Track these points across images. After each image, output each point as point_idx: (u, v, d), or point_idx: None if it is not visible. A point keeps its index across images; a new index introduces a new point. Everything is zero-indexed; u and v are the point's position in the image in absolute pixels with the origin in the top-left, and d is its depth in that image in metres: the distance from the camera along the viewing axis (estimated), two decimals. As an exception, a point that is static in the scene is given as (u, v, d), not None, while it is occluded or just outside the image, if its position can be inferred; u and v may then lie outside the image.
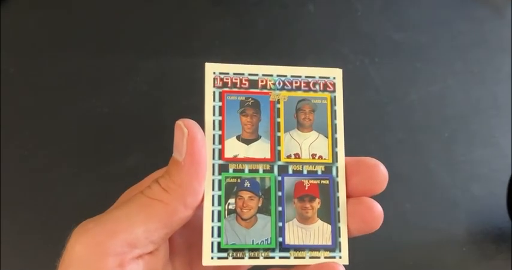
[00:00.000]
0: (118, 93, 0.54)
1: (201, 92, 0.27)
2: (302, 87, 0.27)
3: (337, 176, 0.27)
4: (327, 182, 0.27)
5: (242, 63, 0.28)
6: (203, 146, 0.25)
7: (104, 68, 0.54)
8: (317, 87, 0.27)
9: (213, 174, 0.26)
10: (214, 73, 0.27)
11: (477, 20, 0.58)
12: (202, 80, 0.27)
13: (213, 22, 0.57)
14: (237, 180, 0.26)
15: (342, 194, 0.27)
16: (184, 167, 0.25)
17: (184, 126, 0.25)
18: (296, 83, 0.27)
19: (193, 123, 0.25)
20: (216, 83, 0.27)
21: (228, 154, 0.26)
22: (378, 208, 0.27)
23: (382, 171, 0.27)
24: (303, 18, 0.58)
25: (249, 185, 0.26)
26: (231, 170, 0.26)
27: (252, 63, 0.28)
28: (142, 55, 0.55)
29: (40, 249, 0.46)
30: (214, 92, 0.27)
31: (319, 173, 0.27)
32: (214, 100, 0.27)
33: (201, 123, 0.27)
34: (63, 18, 0.56)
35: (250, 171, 0.26)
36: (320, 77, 0.27)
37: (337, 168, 0.27)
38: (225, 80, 0.27)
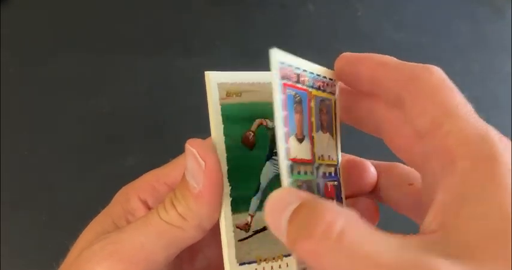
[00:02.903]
0: (118, 93, 0.54)
1: (204, 91, 0.26)
2: (321, 88, 0.26)
3: (340, 176, 0.27)
4: (336, 183, 0.27)
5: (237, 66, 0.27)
6: (220, 173, 0.24)
7: (104, 68, 0.54)
8: (327, 88, 0.26)
9: (289, 176, 0.23)
10: (282, 63, 0.23)
11: (477, 20, 0.58)
12: (202, 80, 0.26)
13: (213, 22, 0.57)
14: (298, 183, 0.23)
15: (343, 194, 0.27)
16: (203, 198, 0.24)
17: (200, 157, 0.24)
18: (319, 82, 0.25)
19: (208, 151, 0.24)
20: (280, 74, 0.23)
21: (291, 155, 0.23)
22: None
23: (372, 172, 0.27)
24: (303, 18, 0.58)
25: (306, 188, 0.24)
26: (295, 172, 0.23)
27: (251, 65, 0.27)
28: (142, 55, 0.55)
29: (40, 249, 0.46)
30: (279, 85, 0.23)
31: (332, 174, 0.26)
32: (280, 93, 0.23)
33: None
34: (63, 18, 0.56)
35: (304, 173, 0.24)
36: (329, 79, 0.26)
37: (339, 169, 0.27)
38: (283, 71, 0.23)
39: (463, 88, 0.57)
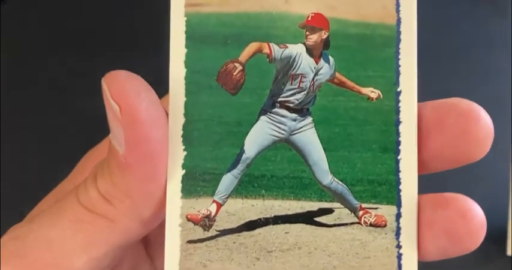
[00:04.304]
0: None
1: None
2: None
3: None
4: None
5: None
6: (156, 123, 0.15)
7: (104, 67, 0.54)
8: None
9: None
10: None
11: (478, 19, 0.58)
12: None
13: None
14: None
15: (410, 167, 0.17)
16: (129, 166, 0.15)
17: (111, 99, 0.14)
18: None
19: (127, 85, 0.15)
20: None
21: None
22: (476, 213, 0.15)
23: (484, 119, 0.16)
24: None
25: None
26: None
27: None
28: (142, 55, 0.55)
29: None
30: None
31: None
32: None
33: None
34: (63, 18, 0.56)
35: None
36: None
37: None
38: None
39: (464, 87, 0.57)
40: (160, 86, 0.59)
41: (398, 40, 0.16)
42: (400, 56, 0.16)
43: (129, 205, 0.15)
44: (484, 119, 0.16)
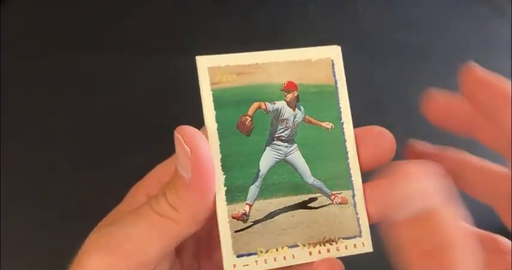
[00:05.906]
0: (118, 93, 0.54)
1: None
2: None
3: None
4: None
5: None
6: (210, 159, 0.23)
7: (104, 67, 0.54)
8: None
9: None
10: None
11: (477, 19, 0.58)
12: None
13: (213, 21, 0.57)
14: None
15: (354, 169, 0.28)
16: (192, 186, 0.23)
17: (185, 144, 0.23)
18: None
19: (194, 136, 0.23)
20: None
21: None
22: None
23: (389, 138, 0.26)
24: (303, 17, 0.58)
25: None
26: None
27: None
28: (142, 55, 0.55)
29: (40, 249, 0.46)
30: None
31: None
32: None
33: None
34: (63, 18, 0.56)
35: None
36: None
37: None
38: None
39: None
40: (160, 85, 0.58)
41: (337, 93, 0.27)
42: (339, 102, 0.27)
43: (190, 212, 0.24)
44: (388, 137, 0.26)
